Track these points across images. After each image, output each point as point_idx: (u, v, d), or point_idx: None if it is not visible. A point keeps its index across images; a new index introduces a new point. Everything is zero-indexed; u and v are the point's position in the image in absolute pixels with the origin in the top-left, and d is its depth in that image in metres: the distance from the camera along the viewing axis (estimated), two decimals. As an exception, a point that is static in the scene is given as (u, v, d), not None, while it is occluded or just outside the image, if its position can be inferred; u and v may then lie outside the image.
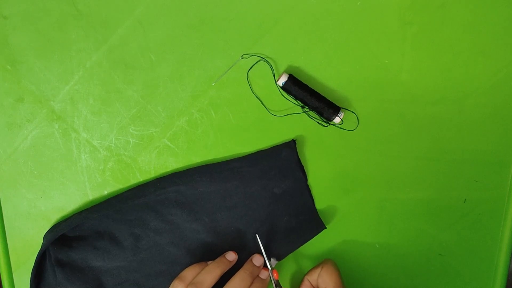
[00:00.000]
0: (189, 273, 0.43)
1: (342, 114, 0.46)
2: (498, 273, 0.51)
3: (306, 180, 0.48)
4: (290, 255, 0.49)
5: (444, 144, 0.48)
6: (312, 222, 0.48)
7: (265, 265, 0.46)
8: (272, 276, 0.45)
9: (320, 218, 0.48)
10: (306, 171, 0.48)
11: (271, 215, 0.48)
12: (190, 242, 0.47)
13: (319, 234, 0.48)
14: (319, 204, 0.49)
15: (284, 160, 0.47)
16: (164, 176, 0.47)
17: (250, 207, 0.47)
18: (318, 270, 0.45)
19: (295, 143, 0.47)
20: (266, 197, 0.47)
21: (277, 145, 0.47)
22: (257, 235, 0.47)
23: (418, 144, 0.48)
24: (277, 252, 0.48)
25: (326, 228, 0.48)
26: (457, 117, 0.47)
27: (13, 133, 0.47)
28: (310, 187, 0.48)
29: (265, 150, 0.47)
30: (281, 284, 0.47)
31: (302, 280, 0.46)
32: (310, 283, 0.46)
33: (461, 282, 0.51)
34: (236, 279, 0.43)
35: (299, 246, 0.48)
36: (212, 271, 0.42)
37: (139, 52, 0.45)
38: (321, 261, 0.46)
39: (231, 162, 0.47)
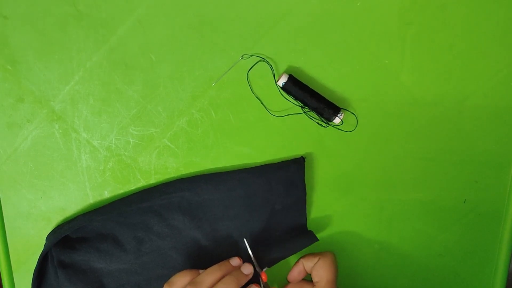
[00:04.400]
0: (179, 279, 0.42)
1: (342, 114, 0.46)
2: (498, 273, 0.51)
3: (305, 197, 0.48)
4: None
5: (444, 145, 0.48)
6: (304, 236, 0.48)
7: (255, 275, 0.45)
8: (261, 280, 0.45)
9: (312, 232, 0.48)
10: (305, 171, 0.48)
11: (267, 228, 0.48)
12: (191, 249, 0.47)
13: (318, 235, 0.48)
14: (319, 205, 0.49)
15: (290, 175, 0.46)
16: (169, 182, 0.47)
17: (250, 219, 0.47)
18: (315, 260, 0.45)
19: (304, 160, 0.47)
20: (266, 211, 0.47)
21: (285, 160, 0.47)
22: (245, 239, 0.46)
23: (418, 145, 0.48)
24: (267, 260, 0.47)
25: (318, 240, 0.47)
26: (457, 117, 0.47)
27: (13, 133, 0.46)
28: (310, 189, 0.48)
29: (273, 163, 0.47)
30: (269, 285, 0.47)
31: (297, 261, 0.46)
32: (304, 267, 0.45)
33: (461, 282, 0.51)
34: (221, 285, 0.42)
35: (290, 255, 0.47)
36: (213, 273, 0.42)
37: (139, 52, 0.45)
38: (322, 252, 0.46)
39: (238, 173, 0.47)
